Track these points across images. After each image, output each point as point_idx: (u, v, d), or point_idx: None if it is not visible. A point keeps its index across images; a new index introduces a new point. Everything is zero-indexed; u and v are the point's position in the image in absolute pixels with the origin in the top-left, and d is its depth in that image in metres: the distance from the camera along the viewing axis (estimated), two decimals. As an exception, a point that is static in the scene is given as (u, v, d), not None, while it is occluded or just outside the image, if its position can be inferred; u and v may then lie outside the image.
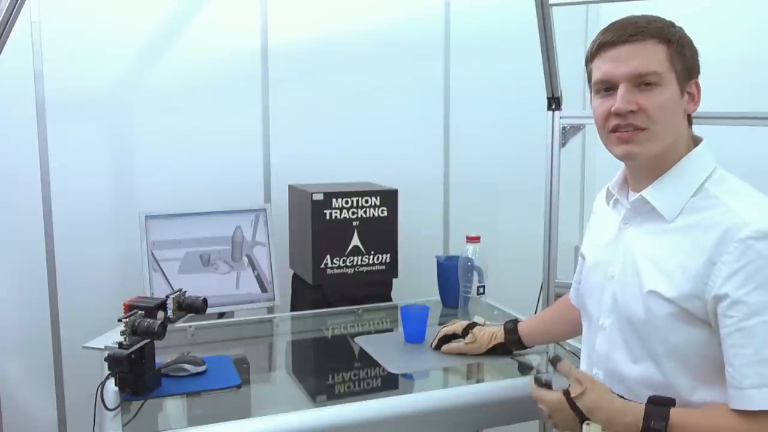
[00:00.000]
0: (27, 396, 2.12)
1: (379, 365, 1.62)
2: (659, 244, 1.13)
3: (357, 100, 2.46)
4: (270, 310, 2.21)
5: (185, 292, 1.54)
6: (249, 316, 2.01)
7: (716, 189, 1.11)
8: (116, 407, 1.34)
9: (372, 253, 2.14)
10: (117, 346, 1.37)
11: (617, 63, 1.12)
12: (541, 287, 2.15)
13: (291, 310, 2.23)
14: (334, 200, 2.08)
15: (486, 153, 2.64)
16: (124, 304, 1.43)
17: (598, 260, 1.28)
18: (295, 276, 2.29)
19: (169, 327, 1.45)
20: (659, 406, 1.09)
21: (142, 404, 1.37)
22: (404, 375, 1.58)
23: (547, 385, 1.25)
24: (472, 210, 2.62)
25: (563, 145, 2.10)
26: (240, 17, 2.29)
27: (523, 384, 1.29)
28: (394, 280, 2.21)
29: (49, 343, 2.12)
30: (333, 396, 1.52)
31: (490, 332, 1.62)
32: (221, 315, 2.08)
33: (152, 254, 2.04)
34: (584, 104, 2.70)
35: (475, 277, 1.95)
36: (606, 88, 1.15)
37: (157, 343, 1.45)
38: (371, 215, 2.13)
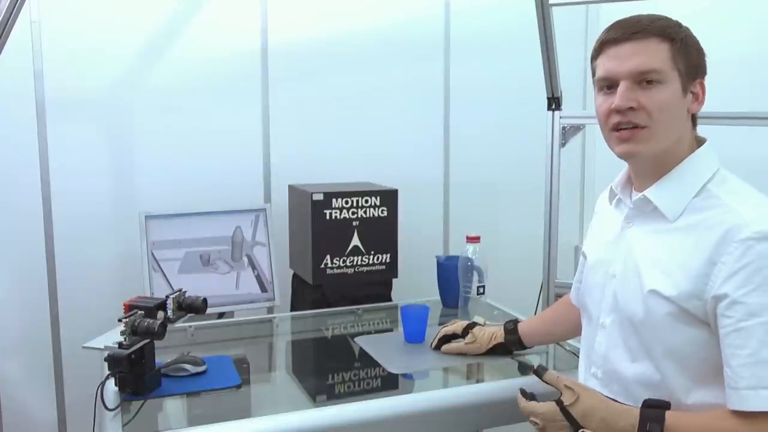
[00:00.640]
0: (27, 396, 2.12)
1: (379, 365, 1.62)
2: (661, 244, 1.13)
3: (357, 100, 2.46)
4: (270, 310, 2.21)
5: (185, 292, 1.54)
6: (249, 316, 2.01)
7: (718, 190, 1.11)
8: (116, 407, 1.34)
9: (372, 253, 2.14)
10: (117, 346, 1.37)
11: (619, 60, 1.12)
12: (541, 287, 2.15)
13: (291, 310, 2.23)
14: (334, 200, 2.08)
15: (486, 153, 2.64)
16: (124, 304, 1.43)
17: (600, 259, 1.28)
18: (295, 276, 2.29)
19: (169, 327, 1.45)
20: (655, 409, 1.09)
21: (142, 404, 1.37)
22: (404, 375, 1.58)
23: (533, 397, 1.24)
24: (472, 210, 2.62)
25: (563, 145, 2.10)
26: (240, 17, 2.29)
27: (523, 384, 1.29)
28: (394, 280, 2.21)
29: (49, 343, 2.12)
30: (333, 396, 1.52)
31: (490, 332, 1.62)
32: (221, 315, 2.08)
33: (152, 254, 2.04)
34: (584, 104, 2.71)
35: (475, 277, 1.95)
36: (608, 85, 1.15)
37: (157, 343, 1.45)
38: (371, 215, 2.13)
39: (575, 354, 1.57)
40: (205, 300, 1.53)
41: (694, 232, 1.09)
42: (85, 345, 1.73)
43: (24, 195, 2.08)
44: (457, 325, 1.67)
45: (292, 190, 2.26)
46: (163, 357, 1.53)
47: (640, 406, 1.11)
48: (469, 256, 1.95)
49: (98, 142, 2.18)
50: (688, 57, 1.12)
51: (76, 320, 2.11)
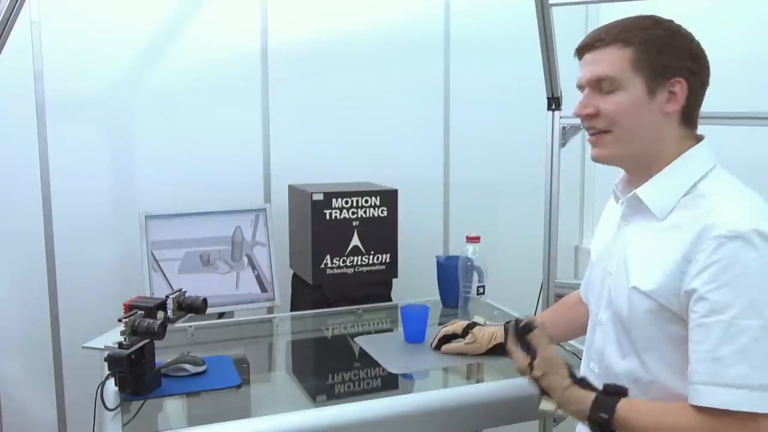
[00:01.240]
0: (27, 396, 2.13)
1: (379, 365, 1.62)
2: (651, 242, 1.14)
3: (357, 100, 2.46)
4: (270, 310, 2.21)
5: (185, 292, 1.54)
6: (249, 316, 2.02)
7: (707, 188, 1.12)
8: (116, 407, 1.34)
9: (372, 253, 2.14)
10: (117, 346, 1.37)
11: (584, 68, 1.18)
12: (541, 287, 2.15)
13: (291, 310, 2.23)
14: (334, 200, 2.08)
15: (486, 153, 2.64)
16: (124, 304, 1.43)
17: (600, 256, 1.30)
18: (295, 276, 2.29)
19: (169, 327, 1.45)
20: (610, 396, 1.11)
21: (142, 404, 1.37)
22: (404, 375, 1.58)
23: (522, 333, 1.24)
24: (472, 210, 2.62)
25: (563, 145, 2.10)
26: (240, 17, 2.29)
27: (523, 384, 1.29)
28: (394, 280, 2.21)
29: (49, 343, 2.12)
30: (333, 396, 1.52)
31: (490, 332, 1.62)
32: (221, 315, 2.08)
33: (152, 254, 2.04)
34: (584, 104, 2.70)
35: (475, 277, 1.95)
36: (582, 90, 1.20)
37: (157, 343, 1.45)
38: (371, 215, 2.13)
39: (576, 354, 1.57)
40: (205, 300, 1.54)
41: (677, 230, 1.10)
42: (85, 345, 1.73)
43: (24, 195, 2.08)
44: (457, 325, 1.67)
45: (292, 190, 2.26)
46: (163, 357, 1.53)
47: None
48: (469, 256, 1.95)
49: (98, 142, 2.18)
50: (655, 58, 1.13)
51: (76, 320, 2.11)
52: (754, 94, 1.99)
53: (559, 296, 1.99)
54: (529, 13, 1.96)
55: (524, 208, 2.54)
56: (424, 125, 2.59)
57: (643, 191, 1.17)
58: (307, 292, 2.15)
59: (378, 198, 2.13)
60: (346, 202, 2.09)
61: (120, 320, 1.38)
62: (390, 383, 1.57)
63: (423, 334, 1.73)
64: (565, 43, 2.06)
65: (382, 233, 2.15)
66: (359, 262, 2.13)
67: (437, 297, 2.09)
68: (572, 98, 2.28)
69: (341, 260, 2.11)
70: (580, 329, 1.40)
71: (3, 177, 2.06)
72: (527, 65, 2.17)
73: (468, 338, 1.63)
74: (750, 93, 1.99)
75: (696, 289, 1.03)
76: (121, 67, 2.18)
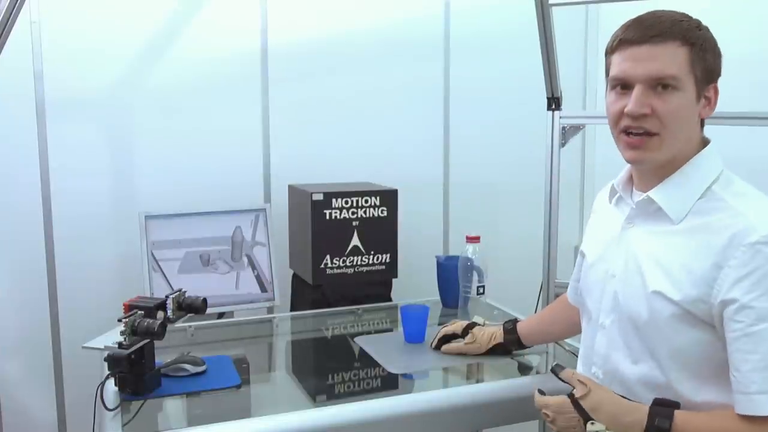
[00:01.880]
0: (27, 396, 2.12)
1: (379, 365, 1.62)
2: (664, 245, 1.13)
3: (357, 100, 2.46)
4: (270, 310, 2.21)
5: (185, 292, 1.54)
6: (249, 316, 2.02)
7: (723, 191, 1.10)
8: (116, 407, 1.34)
9: (372, 253, 2.14)
10: (117, 346, 1.37)
11: (635, 63, 1.09)
12: (541, 287, 2.15)
13: (291, 310, 2.23)
14: (334, 200, 2.08)
15: (486, 153, 2.64)
16: (124, 304, 1.43)
17: (599, 258, 1.27)
18: (295, 276, 2.29)
19: (169, 327, 1.45)
20: (664, 407, 1.09)
21: (142, 404, 1.37)
22: (404, 375, 1.58)
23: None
24: (472, 210, 2.62)
25: (563, 145, 2.10)
26: (240, 17, 2.29)
27: (523, 384, 1.29)
28: (394, 280, 2.21)
29: (49, 343, 2.12)
30: (333, 396, 1.53)
31: (490, 332, 1.62)
32: (221, 315, 2.08)
33: (152, 254, 2.04)
34: (584, 104, 2.71)
35: (475, 277, 1.95)
36: (622, 85, 1.13)
37: (157, 343, 1.45)
38: (371, 215, 2.13)
39: (574, 354, 1.57)
40: (204, 300, 1.54)
41: (698, 234, 1.08)
42: (85, 345, 1.73)
43: (24, 195, 2.08)
44: (456, 325, 1.67)
45: (292, 190, 2.26)
46: (163, 357, 1.53)
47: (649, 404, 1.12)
48: (469, 256, 1.95)
49: (98, 142, 2.18)
50: (706, 61, 1.10)
51: (76, 320, 2.11)
52: (754, 94, 1.99)
53: (558, 296, 1.99)
54: (529, 13, 1.96)
55: (524, 208, 2.53)
56: (424, 125, 2.59)
57: (658, 194, 1.14)
58: (307, 292, 2.15)
59: (378, 198, 2.13)
60: (346, 202, 2.09)
61: (120, 320, 1.38)
62: (390, 383, 1.57)
63: (423, 334, 1.73)
64: (565, 43, 2.07)
65: (382, 233, 2.15)
66: (359, 262, 2.13)
67: (437, 297, 2.09)
68: (572, 98, 2.28)
69: (341, 260, 2.11)
70: (578, 327, 1.39)
71: (3, 177, 2.06)
72: (527, 65, 2.17)
73: (468, 338, 1.63)
74: (750, 93, 1.99)
75: (736, 298, 1.01)
76: (121, 67, 2.18)
